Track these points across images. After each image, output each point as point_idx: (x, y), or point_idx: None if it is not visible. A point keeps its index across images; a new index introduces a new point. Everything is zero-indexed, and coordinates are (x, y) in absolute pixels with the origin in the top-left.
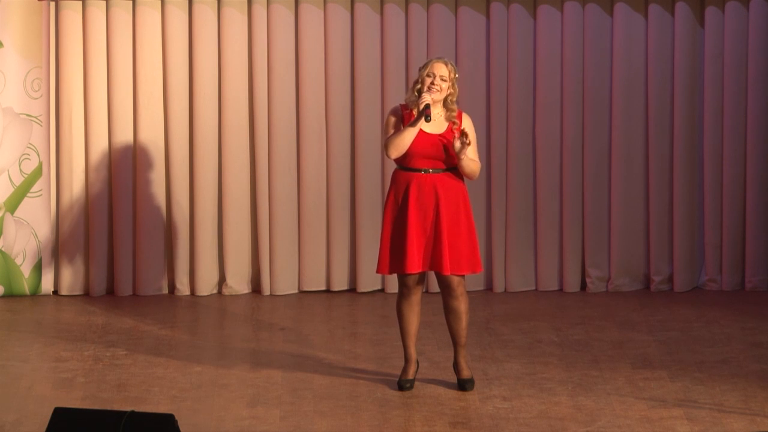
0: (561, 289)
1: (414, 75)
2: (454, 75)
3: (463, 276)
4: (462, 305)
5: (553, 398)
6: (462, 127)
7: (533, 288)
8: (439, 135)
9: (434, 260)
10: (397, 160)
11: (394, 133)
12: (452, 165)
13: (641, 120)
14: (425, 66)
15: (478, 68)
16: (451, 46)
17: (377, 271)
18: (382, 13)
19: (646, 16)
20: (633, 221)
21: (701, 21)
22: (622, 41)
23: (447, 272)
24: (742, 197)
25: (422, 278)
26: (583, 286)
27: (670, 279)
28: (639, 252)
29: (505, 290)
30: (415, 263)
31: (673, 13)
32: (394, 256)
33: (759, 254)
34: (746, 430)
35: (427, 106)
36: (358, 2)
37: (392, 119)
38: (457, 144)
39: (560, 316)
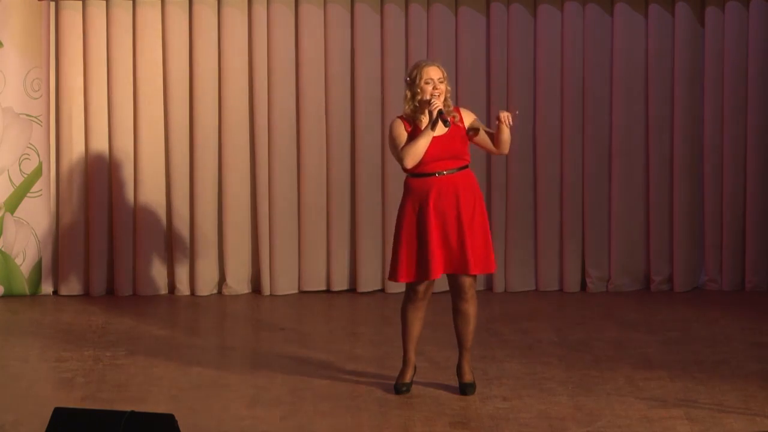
0: (561, 289)
1: None
2: (445, 74)
3: (474, 278)
4: (471, 308)
5: (553, 398)
6: (501, 114)
7: (533, 288)
8: (445, 134)
9: (455, 262)
10: (411, 168)
11: (408, 144)
12: (465, 162)
13: (641, 120)
14: (418, 74)
15: (478, 68)
16: (451, 46)
17: (395, 279)
18: (382, 13)
19: (646, 16)
20: (633, 221)
21: (701, 21)
22: (622, 41)
23: (473, 272)
24: (742, 197)
25: (432, 285)
26: (583, 286)
27: (670, 279)
28: (639, 252)
29: (505, 290)
30: (437, 269)
31: (673, 13)
32: (412, 264)
33: (759, 254)
34: (746, 430)
35: (441, 112)
36: (358, 2)
37: (400, 131)
38: (504, 128)
39: (560, 316)
